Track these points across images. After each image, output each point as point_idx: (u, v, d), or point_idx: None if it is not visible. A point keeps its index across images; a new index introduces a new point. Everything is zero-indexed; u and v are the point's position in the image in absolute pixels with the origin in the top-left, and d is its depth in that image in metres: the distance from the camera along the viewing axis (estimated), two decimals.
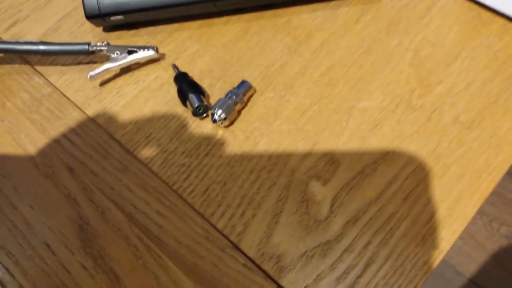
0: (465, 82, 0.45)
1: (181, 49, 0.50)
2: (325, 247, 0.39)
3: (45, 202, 0.43)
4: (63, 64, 0.50)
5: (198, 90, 0.45)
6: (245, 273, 0.39)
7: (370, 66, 0.46)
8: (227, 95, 0.45)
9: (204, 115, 0.45)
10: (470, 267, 1.23)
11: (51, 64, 0.50)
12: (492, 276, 1.21)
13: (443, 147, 0.42)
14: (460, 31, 0.48)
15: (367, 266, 0.38)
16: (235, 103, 0.44)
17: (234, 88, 0.45)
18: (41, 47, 0.47)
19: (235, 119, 0.45)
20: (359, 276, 0.38)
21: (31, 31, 0.52)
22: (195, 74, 0.48)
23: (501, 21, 0.48)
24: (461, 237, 1.26)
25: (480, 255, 1.24)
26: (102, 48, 0.47)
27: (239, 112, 0.45)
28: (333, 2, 0.50)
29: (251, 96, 0.46)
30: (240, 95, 0.44)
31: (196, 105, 0.43)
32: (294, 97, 0.46)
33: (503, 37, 0.47)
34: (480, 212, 1.28)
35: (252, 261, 0.39)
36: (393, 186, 0.41)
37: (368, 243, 0.39)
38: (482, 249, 1.25)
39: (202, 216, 0.41)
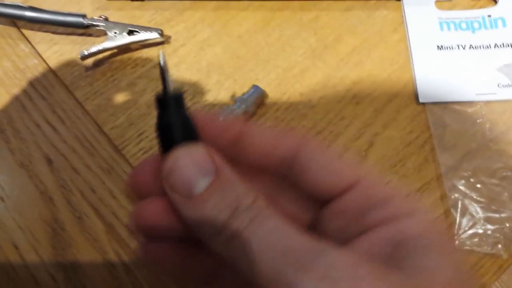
0: None
1: (190, 33, 0.43)
2: None
3: (17, 196, 0.38)
4: (53, 32, 0.43)
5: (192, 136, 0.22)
6: None
7: (403, 86, 0.40)
8: (235, 102, 0.39)
9: None
10: None
11: (40, 29, 0.44)
12: None
13: None
14: None
15: None
16: (243, 113, 0.38)
17: (243, 95, 0.39)
18: (28, 14, 0.40)
19: None
20: None
21: None
22: (202, 67, 0.42)
23: None
24: None
25: None
26: (99, 23, 0.41)
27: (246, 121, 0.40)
28: (372, 2, 0.43)
29: (262, 102, 0.40)
30: (250, 104, 0.39)
31: None
32: (311, 112, 0.40)
33: None
34: None
35: None
36: None
37: None
38: None
39: None
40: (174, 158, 0.20)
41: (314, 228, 0.25)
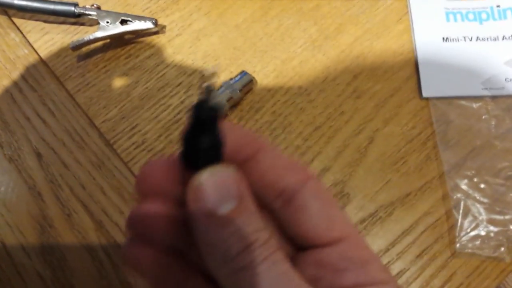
0: None
1: (185, 22, 0.41)
2: None
3: (6, 191, 0.37)
4: (45, 21, 0.42)
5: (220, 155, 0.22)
6: None
7: (406, 80, 0.39)
8: (221, 86, 0.38)
9: None
10: None
11: (31, 18, 0.42)
12: None
13: None
14: None
15: None
16: (228, 99, 0.37)
17: (230, 80, 0.38)
18: (17, 2, 0.39)
19: (226, 116, 0.38)
20: None
21: None
22: (197, 57, 0.40)
23: None
24: None
25: None
26: (91, 12, 0.39)
27: (233, 108, 0.38)
28: None
29: (250, 90, 0.39)
30: (236, 90, 0.37)
31: None
32: (310, 107, 0.38)
33: None
34: None
35: None
36: (408, 237, 0.35)
37: None
38: None
39: None
40: (205, 175, 0.20)
41: None
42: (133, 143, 0.38)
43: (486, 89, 0.37)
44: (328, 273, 0.22)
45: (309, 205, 0.22)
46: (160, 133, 0.38)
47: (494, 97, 0.37)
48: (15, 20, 0.42)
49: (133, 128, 0.38)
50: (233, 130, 0.22)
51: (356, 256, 0.22)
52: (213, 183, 0.20)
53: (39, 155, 0.38)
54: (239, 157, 0.22)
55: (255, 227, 0.20)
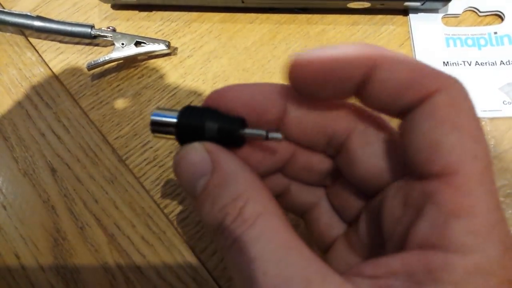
0: None
1: (196, 44, 0.43)
2: None
3: (20, 204, 0.38)
4: (60, 41, 0.44)
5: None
6: None
7: None
8: None
9: None
10: None
11: (47, 38, 0.44)
12: None
13: None
14: None
15: None
16: None
17: None
18: (36, 23, 0.41)
19: None
20: None
21: None
22: (207, 78, 0.42)
23: None
24: None
25: None
26: (107, 34, 0.41)
27: None
28: (378, 17, 0.43)
29: None
30: None
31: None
32: None
33: None
34: None
35: None
36: None
37: None
38: None
39: (192, 250, 0.36)
40: (175, 160, 0.20)
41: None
42: (145, 159, 0.39)
43: (484, 111, 0.38)
44: (413, 215, 0.17)
45: (418, 128, 0.17)
46: (171, 150, 0.39)
47: (492, 119, 0.38)
48: (31, 40, 0.44)
49: (144, 144, 0.40)
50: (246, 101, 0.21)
51: (444, 204, 0.16)
52: (184, 165, 0.19)
53: (53, 170, 0.39)
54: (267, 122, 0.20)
55: (231, 195, 0.18)
